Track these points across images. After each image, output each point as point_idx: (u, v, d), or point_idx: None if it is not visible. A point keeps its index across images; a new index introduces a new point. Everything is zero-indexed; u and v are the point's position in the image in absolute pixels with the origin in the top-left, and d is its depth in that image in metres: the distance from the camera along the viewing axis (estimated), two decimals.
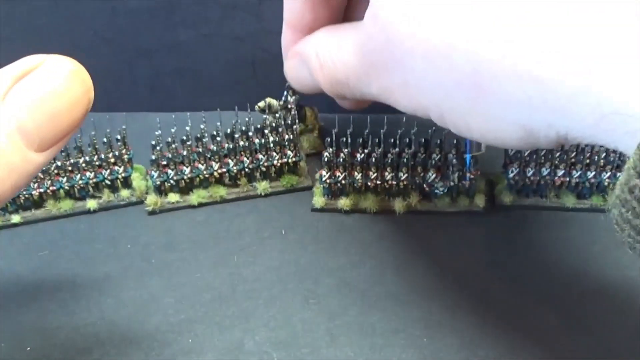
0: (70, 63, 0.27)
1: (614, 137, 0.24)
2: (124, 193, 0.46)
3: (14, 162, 0.25)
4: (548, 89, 0.25)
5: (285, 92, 0.47)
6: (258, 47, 0.54)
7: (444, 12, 0.29)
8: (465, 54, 0.28)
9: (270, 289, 0.40)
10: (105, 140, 0.45)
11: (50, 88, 0.26)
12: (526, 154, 0.44)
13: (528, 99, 0.26)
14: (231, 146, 0.46)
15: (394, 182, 0.44)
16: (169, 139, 0.44)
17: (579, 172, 0.43)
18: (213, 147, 0.45)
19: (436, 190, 0.44)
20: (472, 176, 0.43)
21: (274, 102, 0.48)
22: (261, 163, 0.46)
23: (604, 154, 0.43)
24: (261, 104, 0.48)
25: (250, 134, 0.45)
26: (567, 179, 0.44)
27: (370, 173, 0.44)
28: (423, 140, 0.43)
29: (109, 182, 0.46)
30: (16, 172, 0.25)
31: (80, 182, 0.45)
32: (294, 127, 0.46)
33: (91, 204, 0.46)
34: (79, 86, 0.26)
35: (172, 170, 0.45)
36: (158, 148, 0.45)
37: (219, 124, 0.45)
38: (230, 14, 0.53)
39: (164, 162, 0.45)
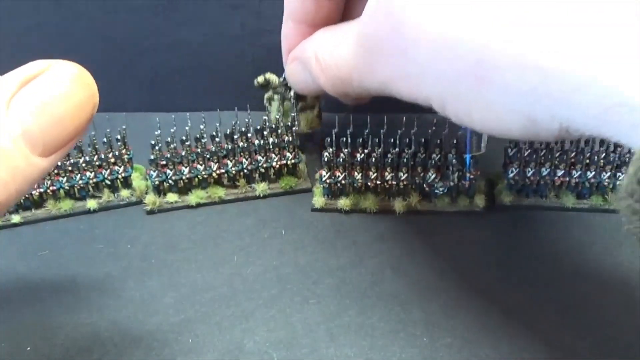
0: (75, 68, 0.27)
1: (618, 130, 0.24)
2: (124, 193, 0.46)
3: (19, 167, 0.25)
4: (552, 79, 0.25)
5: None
6: (258, 46, 0.53)
7: (448, 3, 0.29)
8: (469, 44, 0.28)
9: (270, 289, 0.40)
10: (105, 140, 0.45)
11: (55, 93, 0.26)
12: (526, 154, 0.44)
13: (532, 89, 0.26)
14: (230, 147, 0.45)
15: (394, 182, 0.44)
16: (168, 139, 0.44)
17: (578, 172, 0.43)
18: (212, 148, 0.45)
19: (436, 190, 0.44)
20: (472, 176, 0.43)
21: (273, 77, 0.47)
22: (260, 164, 0.46)
23: (604, 154, 0.43)
24: (260, 79, 0.47)
25: (249, 135, 0.45)
26: (567, 179, 0.44)
27: (370, 173, 0.44)
28: (423, 140, 0.43)
29: (109, 182, 0.46)
30: (21, 177, 0.25)
31: (80, 182, 0.45)
32: (293, 128, 0.46)
33: (91, 204, 0.46)
34: (83, 91, 0.26)
35: (171, 170, 0.45)
36: (157, 148, 0.44)
37: (218, 124, 0.45)
38: (230, 13, 0.53)
39: (163, 162, 0.45)
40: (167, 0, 0.53)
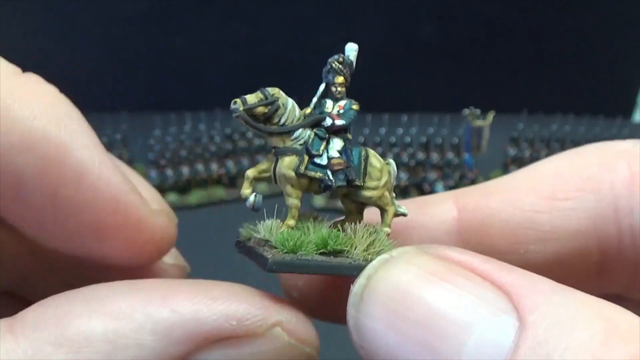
0: (294, 340, 0.22)
1: None
2: None
3: None
4: None
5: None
6: (253, 51, 0.54)
7: None
8: None
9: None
10: (105, 140, 0.45)
11: None
12: (527, 155, 0.44)
13: None
14: (230, 147, 0.45)
15: (394, 182, 0.44)
16: (169, 139, 0.44)
17: None
18: (212, 148, 0.45)
19: (436, 190, 0.44)
20: (472, 176, 0.43)
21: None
22: None
23: None
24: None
25: (249, 135, 0.45)
26: None
27: None
28: (423, 140, 0.43)
29: None
30: None
31: None
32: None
33: None
34: None
35: (171, 170, 0.45)
36: (157, 148, 0.44)
37: (218, 124, 0.45)
38: (226, 21, 0.53)
39: (163, 163, 0.45)
40: (169, 6, 0.53)
